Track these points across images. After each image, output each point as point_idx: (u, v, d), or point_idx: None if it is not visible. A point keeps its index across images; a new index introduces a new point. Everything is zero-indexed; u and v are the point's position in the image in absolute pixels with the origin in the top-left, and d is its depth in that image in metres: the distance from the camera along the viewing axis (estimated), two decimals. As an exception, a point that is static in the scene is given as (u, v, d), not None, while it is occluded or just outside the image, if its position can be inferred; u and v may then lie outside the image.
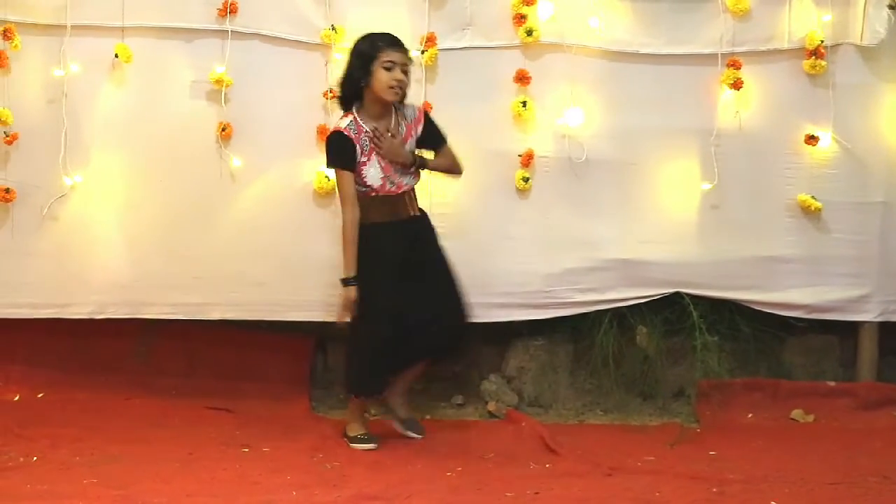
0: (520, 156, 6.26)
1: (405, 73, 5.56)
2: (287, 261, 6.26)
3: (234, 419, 6.12)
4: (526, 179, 6.27)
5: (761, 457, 5.68)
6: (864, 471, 5.46)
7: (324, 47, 6.16)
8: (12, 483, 5.03)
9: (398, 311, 5.61)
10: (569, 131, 6.28)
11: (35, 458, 5.37)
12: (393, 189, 5.64)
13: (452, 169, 5.91)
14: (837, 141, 6.38)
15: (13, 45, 6.00)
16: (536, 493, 5.12)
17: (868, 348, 6.61)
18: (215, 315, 6.32)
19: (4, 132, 6.02)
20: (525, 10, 6.20)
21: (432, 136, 5.76)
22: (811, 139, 6.35)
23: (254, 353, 6.54)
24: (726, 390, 6.40)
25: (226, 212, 6.22)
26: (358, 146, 5.56)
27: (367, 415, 6.05)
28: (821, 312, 6.55)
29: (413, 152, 5.71)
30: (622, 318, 6.43)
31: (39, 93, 6.11)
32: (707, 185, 6.37)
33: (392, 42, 5.55)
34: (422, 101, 6.14)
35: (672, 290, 6.42)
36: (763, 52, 6.36)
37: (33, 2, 6.03)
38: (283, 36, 6.16)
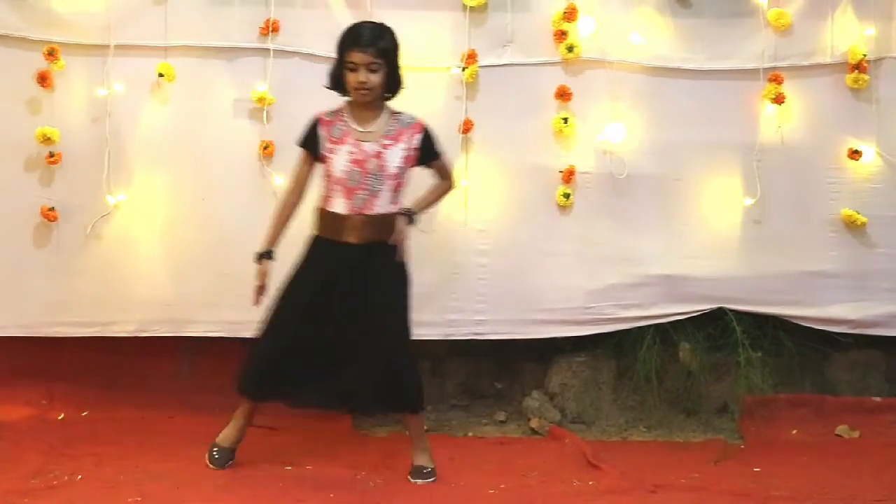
0: (561, 172, 6.25)
1: (373, 70, 5.27)
2: (329, 278, 6.26)
3: (276, 437, 6.11)
4: (567, 196, 6.27)
5: (806, 473, 5.65)
6: (910, 487, 5.44)
7: (365, 65, 6.18)
8: (57, 501, 5.05)
9: (310, 309, 5.41)
10: (610, 147, 6.27)
11: (80, 477, 5.38)
12: (344, 206, 5.36)
13: (441, 194, 5.66)
14: (881, 155, 6.35)
15: (58, 65, 6.04)
16: (580, 510, 5.12)
17: (913, 364, 6.58)
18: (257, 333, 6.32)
19: (49, 151, 6.07)
20: (566, 26, 6.20)
21: (427, 151, 5.49)
22: (854, 153, 6.32)
23: (296, 371, 6.54)
24: (770, 406, 6.38)
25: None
26: (325, 129, 5.40)
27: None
28: (865, 328, 6.51)
29: (402, 210, 5.46)
30: (665, 334, 6.41)
31: (83, 112, 6.15)
32: (749, 201, 6.35)
33: (355, 40, 5.30)
34: (462, 118, 6.16)
35: (715, 306, 6.39)
36: (805, 66, 6.34)
37: (77, 22, 6.08)
38: (325, 54, 6.17)
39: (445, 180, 5.64)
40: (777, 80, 6.27)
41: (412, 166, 5.46)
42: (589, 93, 6.26)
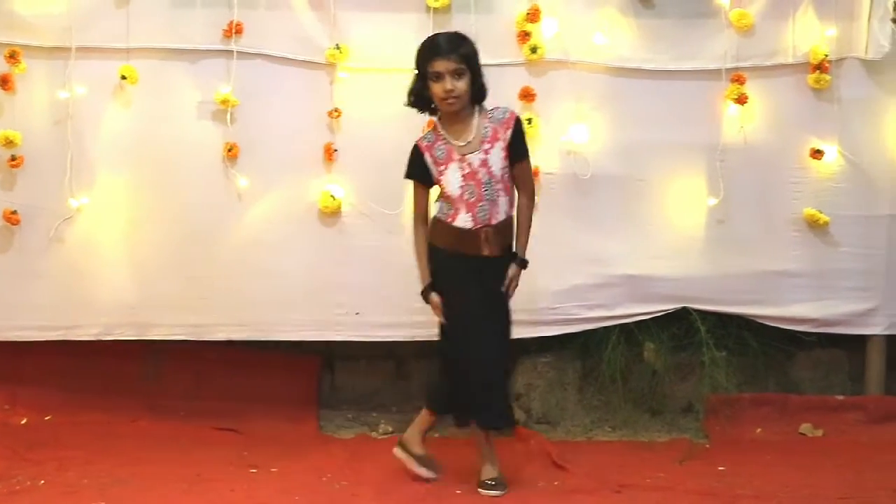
0: (525, 173, 6.25)
1: (458, 76, 5.20)
2: (293, 280, 6.26)
3: (241, 440, 6.12)
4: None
5: (771, 472, 5.67)
6: (873, 485, 5.47)
7: (329, 66, 6.18)
8: (21, 506, 5.04)
9: (476, 322, 5.38)
10: (574, 148, 6.27)
11: (42, 482, 5.37)
12: (469, 221, 5.30)
13: (529, 219, 5.48)
14: (843, 155, 6.38)
15: (19, 67, 6.01)
16: (546, 510, 5.12)
17: (876, 362, 6.60)
18: (222, 335, 6.31)
19: (11, 155, 6.03)
20: (529, 27, 6.21)
21: (515, 147, 5.34)
22: (816, 153, 6.34)
23: (261, 374, 6.54)
24: (735, 405, 6.41)
25: (232, 232, 6.22)
26: (429, 155, 5.36)
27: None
28: (828, 326, 6.54)
29: (514, 255, 5.44)
30: (630, 334, 6.42)
31: (45, 115, 6.12)
32: (713, 201, 6.37)
33: (436, 50, 5.25)
34: (426, 119, 6.14)
35: (679, 306, 6.41)
36: (767, 66, 6.35)
37: (38, 24, 6.04)
38: (288, 56, 6.17)
39: (525, 196, 5.46)
40: (739, 81, 6.29)
41: (510, 164, 5.37)
42: (552, 93, 6.26)
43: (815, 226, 6.39)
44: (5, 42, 6.02)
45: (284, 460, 5.77)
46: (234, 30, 6.09)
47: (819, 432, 6.34)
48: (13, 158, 6.04)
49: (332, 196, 6.17)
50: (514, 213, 5.41)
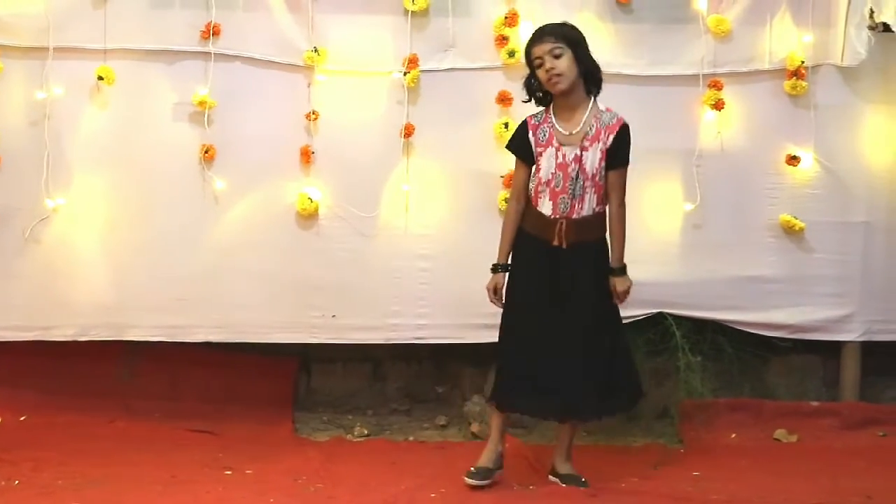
0: (502, 177, 6.23)
1: (557, 56, 5.22)
2: (270, 282, 6.26)
3: (217, 441, 6.11)
4: (508, 201, 6.27)
5: (745, 477, 5.69)
6: (847, 491, 5.47)
7: (306, 69, 6.18)
8: (-6, 507, 5.03)
9: (533, 314, 5.40)
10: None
11: (17, 482, 5.35)
12: (550, 208, 5.33)
13: (622, 227, 5.48)
14: (819, 161, 6.40)
15: (-5, 67, 6.01)
16: (520, 514, 5.12)
17: (851, 368, 6.63)
18: (198, 337, 6.30)
19: (-12, 155, 6.04)
20: (507, 31, 6.22)
21: (614, 154, 5.36)
22: (793, 159, 6.37)
23: (237, 376, 6.53)
24: (710, 410, 6.42)
25: (209, 234, 6.22)
26: (532, 133, 5.39)
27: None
28: (804, 332, 6.56)
29: (615, 268, 5.44)
30: (606, 338, 6.42)
31: (22, 115, 6.10)
32: (689, 206, 6.39)
33: (536, 37, 5.31)
34: (404, 123, 6.16)
35: (655, 311, 6.42)
36: (744, 72, 6.38)
37: (15, 24, 6.03)
38: (266, 58, 6.17)
39: (616, 203, 5.46)
40: (717, 87, 6.32)
41: (606, 168, 5.38)
42: (529, 98, 6.28)
43: (790, 232, 6.42)
44: (-18, 42, 6.02)
45: (260, 462, 5.75)
46: (211, 31, 6.09)
47: (794, 438, 6.35)
48: (-11, 158, 6.04)
49: (309, 198, 6.17)
50: (602, 212, 5.42)
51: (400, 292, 6.28)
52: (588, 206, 5.36)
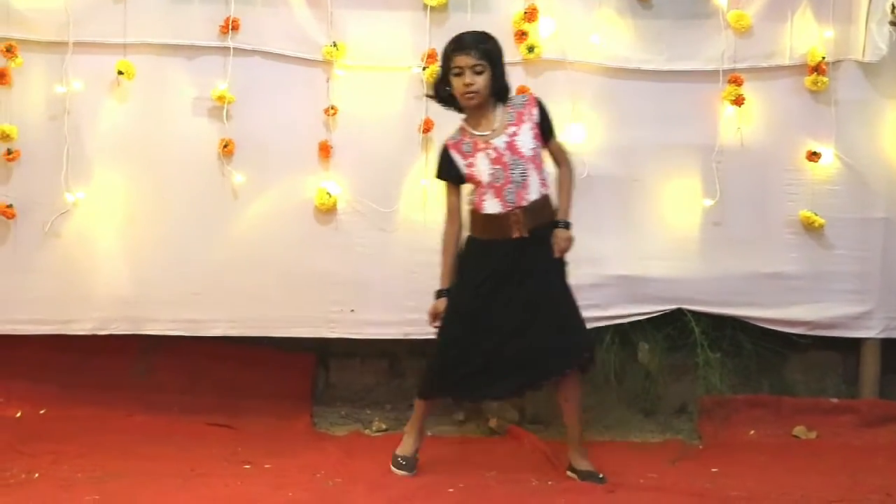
0: (521, 172, 6.25)
1: (478, 73, 5.28)
2: (289, 277, 6.26)
3: (235, 436, 6.12)
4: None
5: (763, 474, 5.67)
6: (866, 488, 5.45)
7: (325, 64, 6.19)
8: (14, 500, 5.03)
9: (473, 314, 5.42)
10: (570, 148, 6.25)
11: (37, 475, 5.36)
12: (498, 205, 5.35)
13: (571, 185, 5.52)
14: (839, 157, 6.38)
15: (16, 62, 6.02)
16: (538, 510, 5.12)
17: (870, 365, 6.60)
18: (217, 331, 6.31)
19: (7, 149, 6.04)
20: (526, 26, 6.21)
21: (545, 124, 5.44)
22: (813, 155, 6.34)
23: (255, 370, 6.54)
24: (728, 407, 6.40)
25: (227, 228, 6.23)
26: (456, 151, 5.42)
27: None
28: (823, 329, 6.53)
29: (557, 219, 5.43)
30: (624, 334, 6.42)
31: (42, 109, 6.12)
32: (709, 202, 6.37)
33: (459, 45, 5.33)
34: (423, 118, 6.15)
35: (674, 307, 6.40)
36: (764, 68, 6.36)
37: (36, 19, 6.05)
38: (285, 53, 6.18)
39: (565, 166, 5.55)
40: (737, 82, 6.30)
41: (543, 144, 5.44)
42: (549, 93, 6.19)
43: (810, 228, 6.39)
44: (2, 36, 6.04)
45: (278, 457, 5.76)
46: (230, 26, 6.10)
47: (812, 435, 6.34)
48: (9, 152, 6.05)
49: (327, 193, 6.18)
50: (548, 194, 5.44)
51: (418, 287, 6.24)
52: (534, 189, 5.38)
